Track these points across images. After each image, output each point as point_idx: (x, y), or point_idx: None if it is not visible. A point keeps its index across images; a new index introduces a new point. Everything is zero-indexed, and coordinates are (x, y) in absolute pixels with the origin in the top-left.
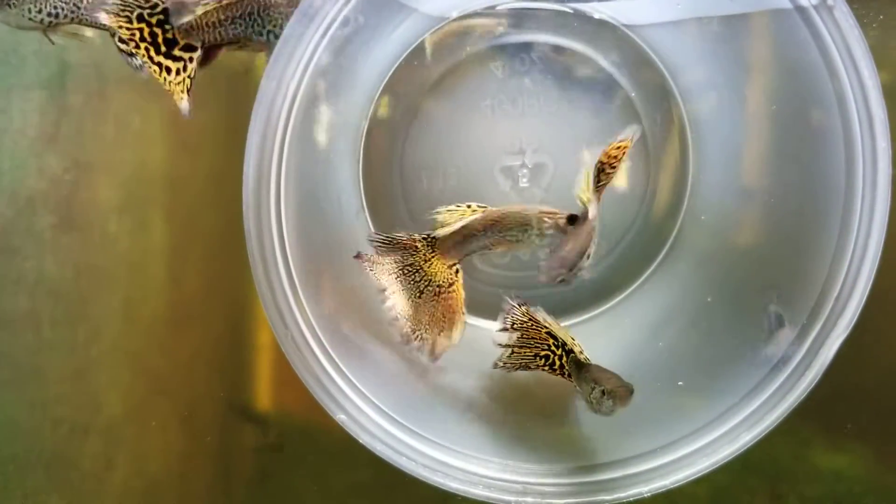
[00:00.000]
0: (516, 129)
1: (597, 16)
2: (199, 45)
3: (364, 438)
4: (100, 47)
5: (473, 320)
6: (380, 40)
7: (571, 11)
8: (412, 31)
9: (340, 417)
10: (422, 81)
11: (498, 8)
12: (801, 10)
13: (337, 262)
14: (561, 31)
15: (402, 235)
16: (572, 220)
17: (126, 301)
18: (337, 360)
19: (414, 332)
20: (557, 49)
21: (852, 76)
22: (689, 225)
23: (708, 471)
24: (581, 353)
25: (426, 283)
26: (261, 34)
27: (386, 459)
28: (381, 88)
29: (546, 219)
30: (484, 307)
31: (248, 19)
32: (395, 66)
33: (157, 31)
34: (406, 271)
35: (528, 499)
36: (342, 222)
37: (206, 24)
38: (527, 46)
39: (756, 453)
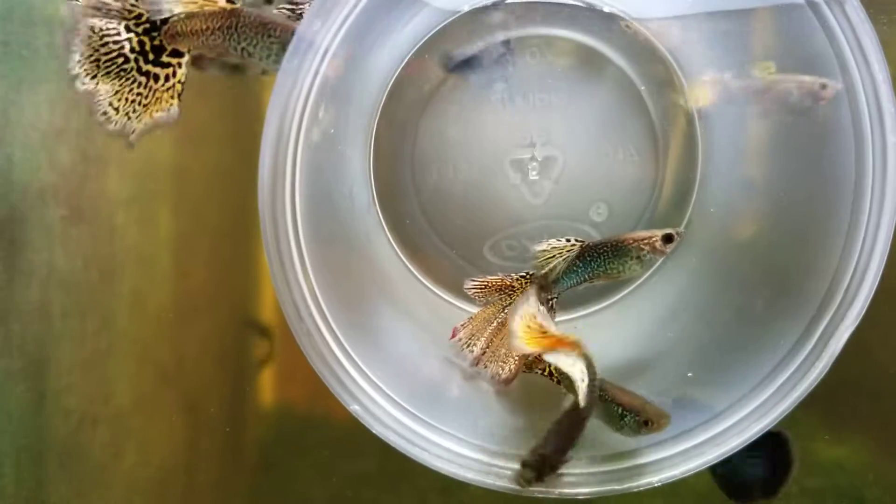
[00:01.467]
0: (526, 122)
1: (607, 9)
2: (186, 50)
3: (377, 429)
4: None
5: None
6: (392, 34)
7: (582, 5)
8: (424, 24)
9: (354, 408)
10: (433, 75)
11: (508, 1)
12: (811, 4)
13: (350, 255)
14: (571, 25)
15: (497, 278)
16: (668, 239)
17: (134, 293)
18: (350, 351)
19: (500, 370)
20: (567, 42)
21: (863, 70)
22: (698, 217)
23: (717, 461)
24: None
25: None
26: (236, 49)
27: (399, 450)
28: (392, 82)
29: (643, 245)
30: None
31: (226, 32)
32: (407, 59)
33: (145, 39)
34: (505, 312)
35: (539, 488)
36: (354, 216)
37: (191, 30)
38: (537, 40)
39: None
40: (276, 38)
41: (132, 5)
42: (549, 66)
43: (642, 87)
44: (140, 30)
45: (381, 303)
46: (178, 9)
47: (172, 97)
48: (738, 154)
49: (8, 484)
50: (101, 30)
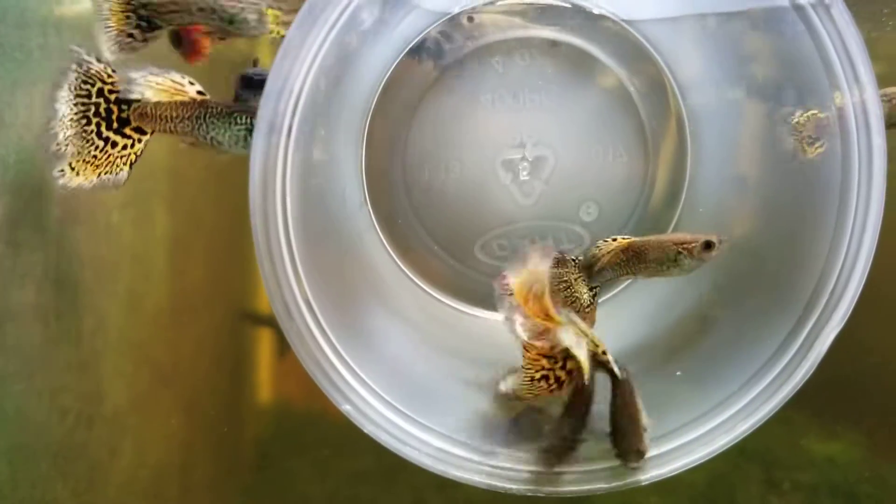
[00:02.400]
0: (517, 122)
1: (596, 11)
2: (149, 131)
3: (368, 428)
4: None
5: (476, 311)
6: (383, 36)
7: (571, 6)
8: (414, 26)
9: (346, 408)
10: (424, 76)
11: (498, 3)
12: (797, 7)
13: (341, 254)
14: (560, 26)
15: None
16: (708, 246)
17: (130, 293)
18: (342, 351)
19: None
20: (557, 43)
21: (848, 73)
22: (687, 217)
23: (705, 460)
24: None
25: (571, 301)
26: (204, 138)
27: (390, 449)
28: (383, 83)
29: (682, 250)
30: (486, 298)
31: (195, 121)
32: (398, 60)
33: (114, 108)
34: (561, 287)
35: (528, 486)
36: (346, 215)
37: (160, 115)
38: (527, 41)
39: (752, 441)
40: (243, 126)
41: (114, 71)
42: (540, 66)
43: (632, 88)
44: (112, 98)
45: (373, 302)
46: (149, 94)
47: (125, 164)
48: (727, 155)
49: (3, 484)
50: (76, 88)
